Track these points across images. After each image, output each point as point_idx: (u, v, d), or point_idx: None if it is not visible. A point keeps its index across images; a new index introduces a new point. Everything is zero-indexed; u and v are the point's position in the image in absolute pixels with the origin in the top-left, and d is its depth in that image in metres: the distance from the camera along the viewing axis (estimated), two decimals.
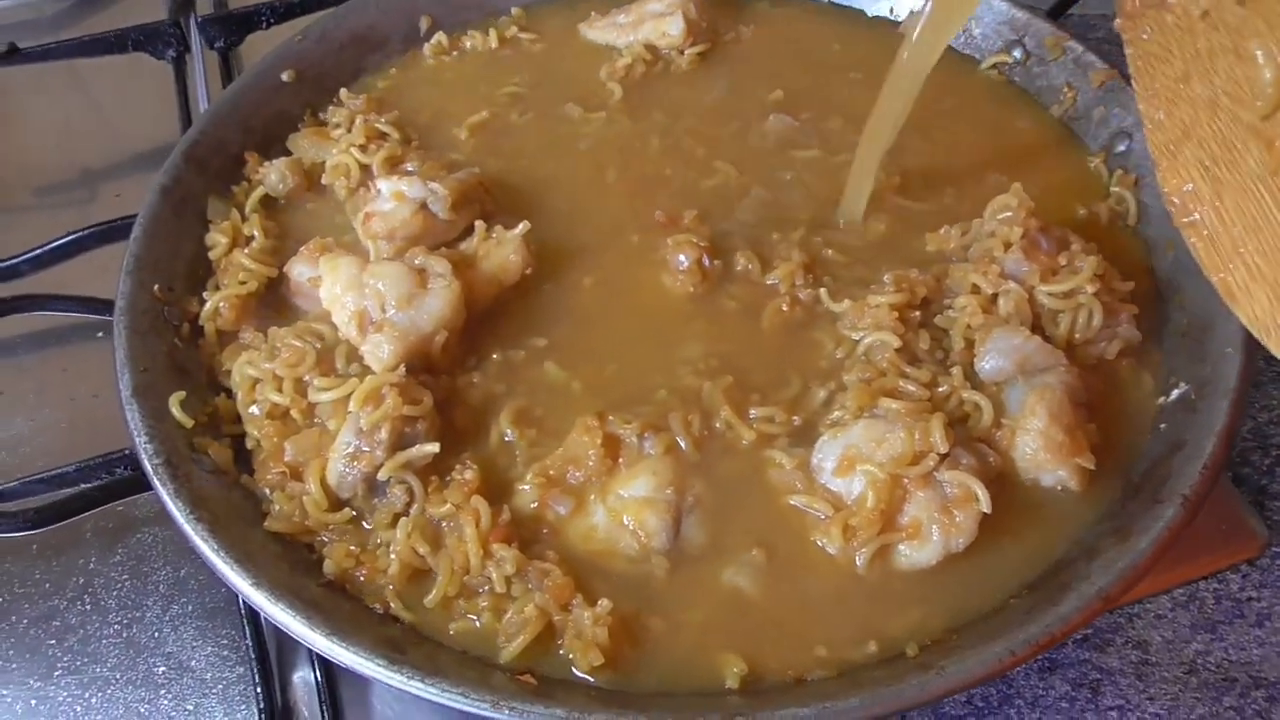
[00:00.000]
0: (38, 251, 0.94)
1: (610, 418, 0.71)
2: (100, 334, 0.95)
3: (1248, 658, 0.75)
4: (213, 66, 1.14)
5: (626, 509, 0.68)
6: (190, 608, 0.80)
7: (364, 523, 0.69)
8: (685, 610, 0.65)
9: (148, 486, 0.68)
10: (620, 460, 0.70)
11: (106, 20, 1.24)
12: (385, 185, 0.80)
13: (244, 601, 0.75)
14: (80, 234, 0.94)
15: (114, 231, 0.94)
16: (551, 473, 0.70)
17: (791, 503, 0.69)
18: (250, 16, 1.13)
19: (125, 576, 0.82)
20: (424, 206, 0.79)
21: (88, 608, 0.80)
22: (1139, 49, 0.68)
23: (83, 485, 0.78)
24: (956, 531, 0.66)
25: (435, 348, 0.74)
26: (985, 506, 0.65)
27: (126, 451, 0.77)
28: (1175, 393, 0.72)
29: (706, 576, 0.66)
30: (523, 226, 0.79)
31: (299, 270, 0.81)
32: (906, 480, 0.67)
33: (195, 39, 1.16)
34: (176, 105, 1.10)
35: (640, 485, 0.69)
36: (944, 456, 0.67)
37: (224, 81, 1.11)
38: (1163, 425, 0.71)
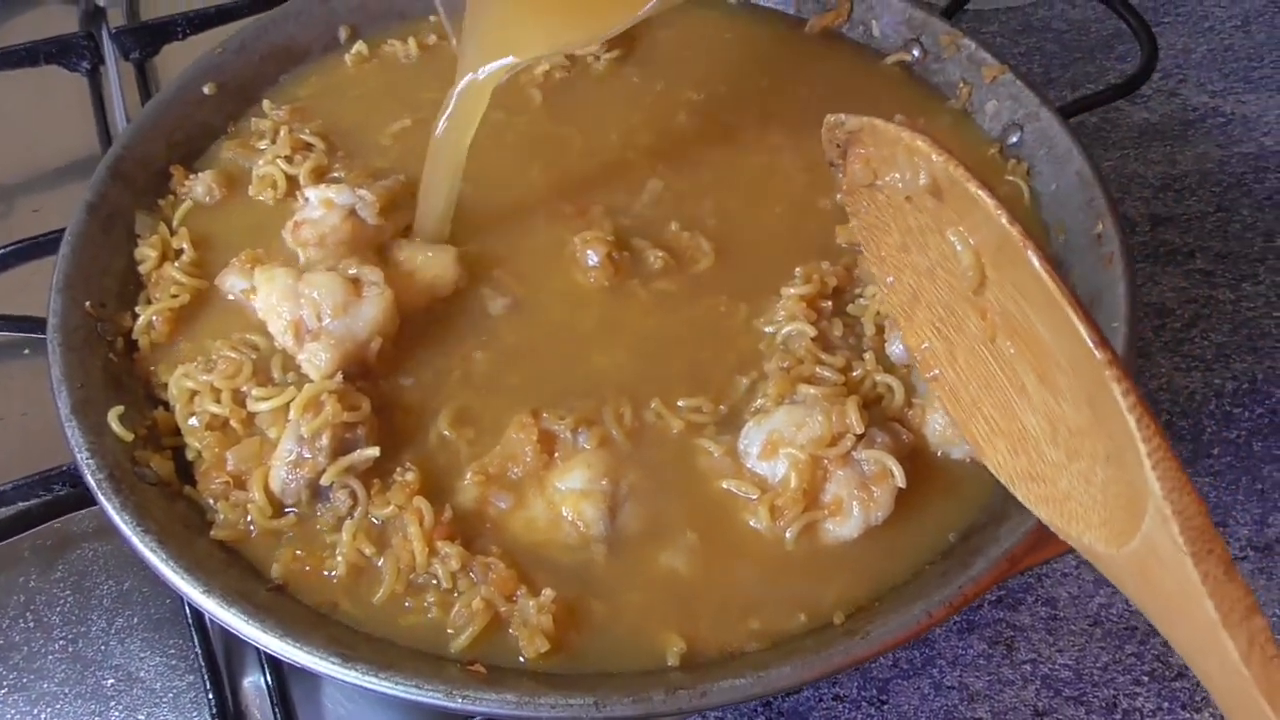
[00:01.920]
0: None
1: (544, 414, 0.74)
2: (26, 351, 0.94)
3: None
4: (129, 78, 1.13)
5: (564, 501, 0.71)
6: (136, 620, 0.80)
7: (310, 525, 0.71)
8: (625, 594, 0.68)
9: (92, 502, 0.69)
10: (556, 455, 0.73)
11: (13, 32, 1.22)
12: (314, 194, 0.81)
13: (190, 610, 0.77)
14: (1, 251, 0.93)
15: (35, 248, 0.93)
16: (491, 470, 0.73)
17: (722, 486, 0.72)
18: (165, 27, 1.12)
19: (67, 592, 0.82)
20: (353, 213, 0.81)
21: (31, 625, 0.80)
22: (862, 221, 0.75)
23: (21, 504, 0.79)
24: (875, 506, 0.70)
25: (371, 354, 0.76)
26: (900, 482, 0.70)
27: (65, 468, 0.77)
28: None
29: (644, 560, 0.70)
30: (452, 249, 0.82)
31: (231, 282, 0.82)
32: (826, 460, 0.71)
33: (110, 51, 1.15)
34: (93, 118, 1.09)
35: (576, 478, 0.72)
36: (860, 436, 0.71)
37: (141, 93, 1.10)
38: None
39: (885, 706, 0.77)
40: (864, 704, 0.77)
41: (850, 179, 0.73)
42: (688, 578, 0.69)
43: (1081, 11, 1.28)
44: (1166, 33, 1.25)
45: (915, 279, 0.71)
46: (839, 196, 0.77)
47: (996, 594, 0.82)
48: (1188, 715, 0.76)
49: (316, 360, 0.74)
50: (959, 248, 0.65)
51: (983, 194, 0.61)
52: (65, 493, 0.76)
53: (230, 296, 0.82)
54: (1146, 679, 0.78)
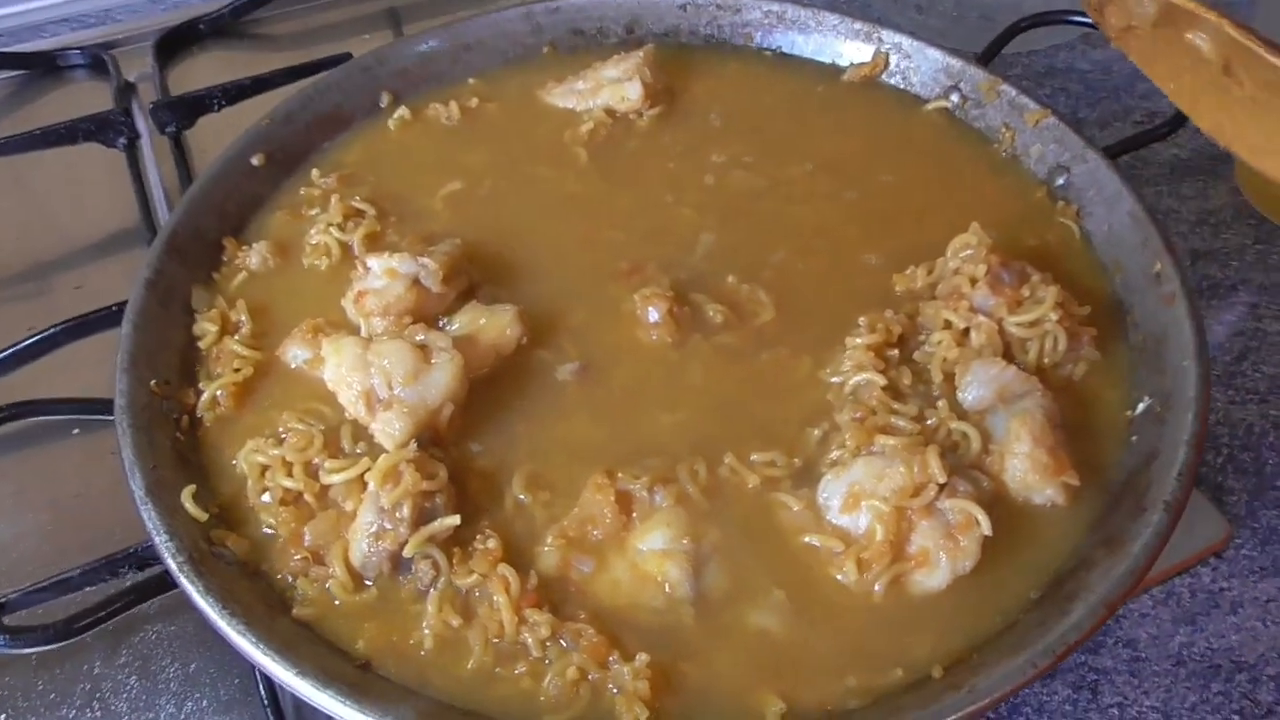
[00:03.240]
0: (4, 353, 0.92)
1: (619, 474, 0.74)
2: (76, 430, 0.94)
3: (1227, 644, 0.81)
4: (164, 151, 1.14)
5: (647, 562, 0.70)
6: (205, 703, 0.79)
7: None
8: (718, 655, 0.67)
9: (173, 585, 0.68)
10: (634, 515, 0.73)
11: (46, 110, 1.23)
12: (376, 263, 0.81)
13: (263, 688, 0.76)
14: (51, 331, 0.92)
15: (83, 327, 0.93)
16: (571, 534, 0.72)
17: (805, 541, 0.72)
18: (201, 100, 1.13)
19: (133, 678, 0.80)
20: (416, 281, 0.81)
21: (98, 714, 0.79)
22: (1136, 54, 0.87)
23: (87, 588, 0.77)
24: (962, 555, 0.69)
25: (443, 421, 0.76)
26: (986, 529, 0.69)
27: (133, 550, 0.77)
28: (1141, 406, 0.78)
29: (733, 620, 0.69)
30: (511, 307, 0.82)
31: (294, 352, 0.81)
32: (910, 511, 0.70)
33: (145, 125, 1.15)
34: (131, 192, 1.10)
35: (657, 538, 0.71)
36: (943, 486, 0.70)
37: (178, 165, 1.11)
38: (1134, 438, 0.76)
39: None
40: None
41: (1111, 28, 0.87)
42: (779, 636, 0.68)
43: (1103, 52, 1.29)
44: None
45: (1190, 79, 0.82)
46: (1111, 44, 0.89)
47: None
48: None
49: (391, 429, 0.73)
50: (1199, 44, 0.79)
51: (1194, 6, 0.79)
52: (144, 577, 0.75)
53: (293, 366, 0.82)
54: (1237, 717, 0.77)
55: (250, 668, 0.77)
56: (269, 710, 0.75)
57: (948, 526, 0.70)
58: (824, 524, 0.72)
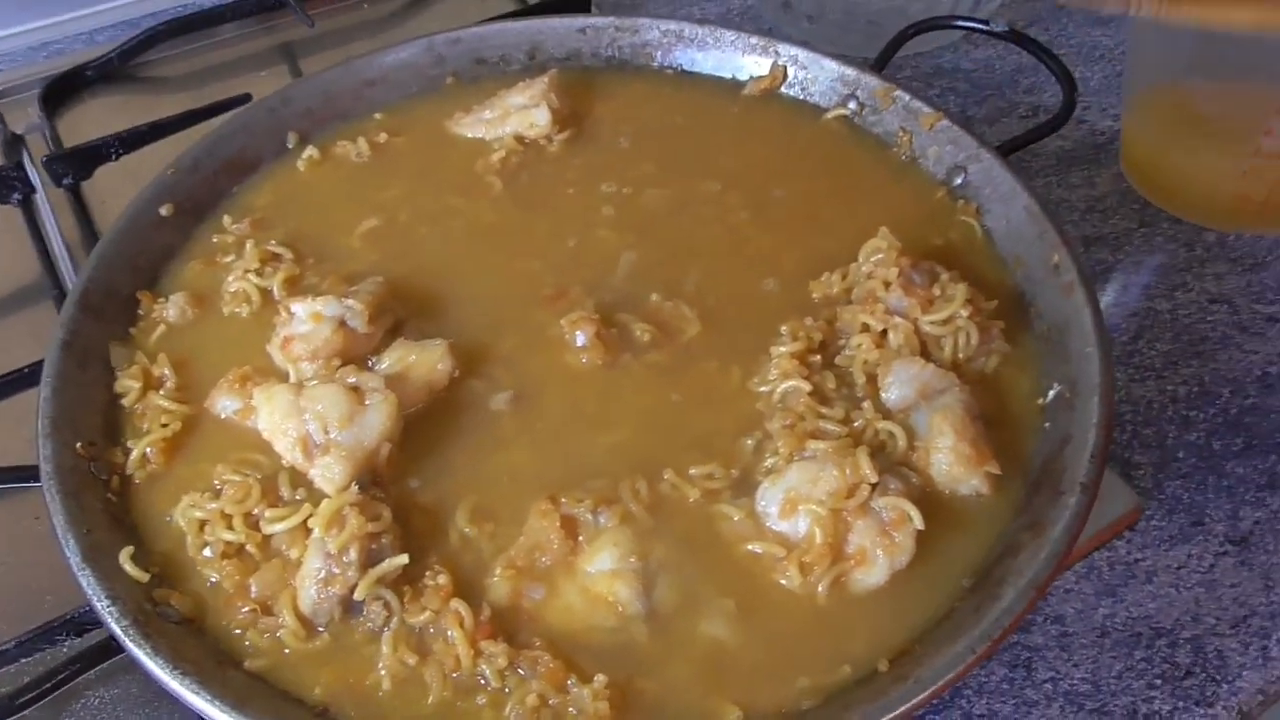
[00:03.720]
0: None
1: (562, 499, 0.75)
2: None
3: (1145, 612, 0.85)
4: (61, 204, 1.11)
5: (597, 584, 0.72)
6: None
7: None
8: (673, 668, 0.69)
9: (118, 650, 0.67)
10: (580, 538, 0.74)
11: None
12: (300, 308, 0.81)
13: None
14: None
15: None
16: (519, 563, 0.73)
17: (748, 549, 0.74)
18: (97, 150, 1.10)
19: None
20: (342, 323, 0.81)
21: None
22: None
23: (23, 660, 0.75)
24: (898, 550, 0.72)
25: (381, 461, 0.76)
26: (919, 524, 0.72)
27: (70, 616, 0.75)
28: (1052, 393, 0.82)
29: (685, 632, 0.71)
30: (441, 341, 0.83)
31: (223, 404, 0.81)
32: (846, 512, 0.73)
33: (39, 179, 1.12)
34: (32, 248, 1.07)
35: (605, 559, 0.73)
36: (875, 485, 0.73)
37: (78, 218, 1.08)
38: (1048, 424, 0.80)
39: None
40: None
41: None
42: (730, 644, 0.70)
43: (984, 51, 1.35)
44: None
45: None
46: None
47: None
48: (1202, 711, 0.80)
49: (331, 474, 0.73)
50: None
51: None
52: (85, 645, 0.73)
53: (223, 417, 0.81)
54: (1160, 681, 0.81)
55: None
56: None
57: (882, 524, 0.73)
58: (765, 531, 0.75)
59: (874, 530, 0.73)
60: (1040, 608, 0.86)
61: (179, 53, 1.32)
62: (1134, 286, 1.09)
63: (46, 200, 1.12)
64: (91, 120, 1.23)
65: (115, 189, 1.10)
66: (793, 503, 0.74)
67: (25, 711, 0.73)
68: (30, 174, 1.13)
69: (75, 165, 1.10)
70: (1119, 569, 0.88)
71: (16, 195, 1.09)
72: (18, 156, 1.16)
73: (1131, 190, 1.18)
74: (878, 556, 0.72)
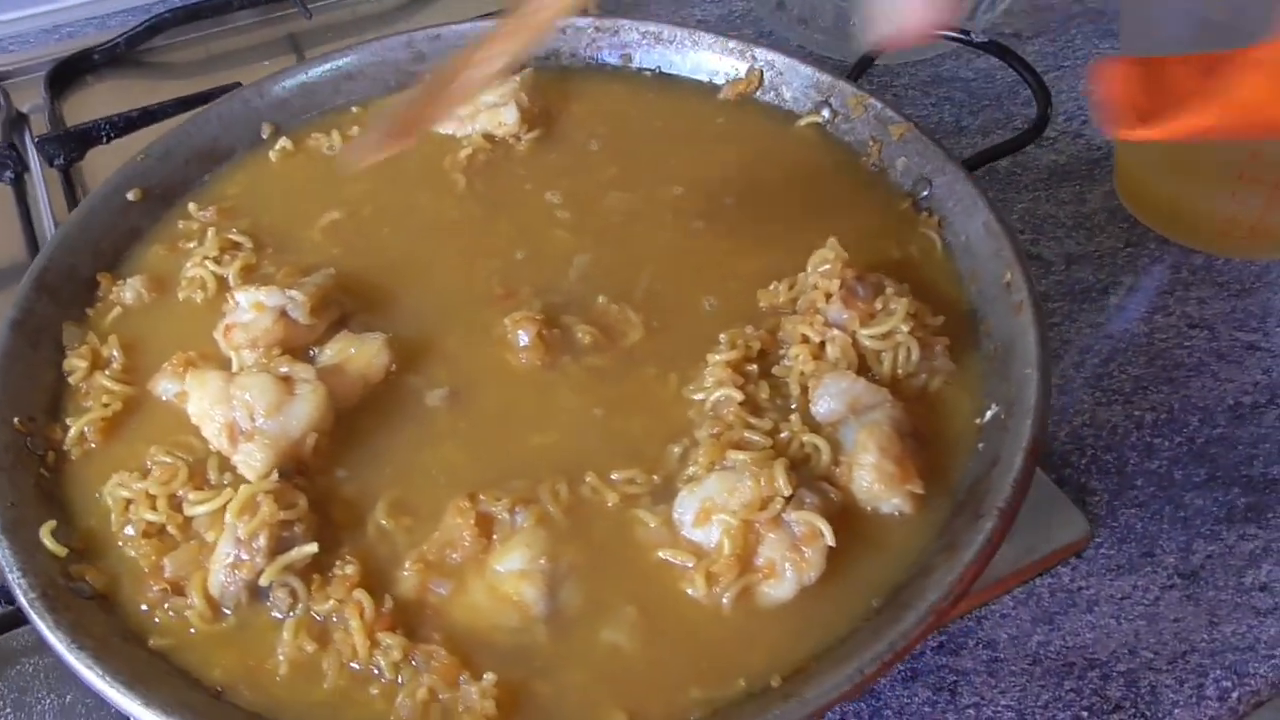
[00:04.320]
0: None
1: (481, 497, 0.75)
2: None
3: (1082, 642, 0.83)
4: (54, 184, 1.14)
5: (504, 583, 0.72)
6: None
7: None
8: (568, 672, 0.69)
9: (24, 620, 0.69)
10: (495, 537, 0.74)
11: None
12: (243, 297, 0.83)
13: None
14: None
15: None
16: (430, 558, 0.73)
17: (659, 557, 0.74)
18: (89, 133, 1.13)
19: (8, 710, 0.81)
20: (284, 313, 0.82)
21: None
22: None
23: None
24: (807, 566, 0.72)
25: (306, 450, 0.77)
26: (830, 540, 0.71)
27: None
28: (989, 413, 0.80)
29: (586, 638, 0.70)
30: (379, 335, 0.83)
31: (164, 386, 0.82)
32: (758, 524, 0.72)
33: (34, 159, 1.16)
34: (19, 227, 1.10)
35: (515, 559, 0.73)
36: (789, 498, 0.73)
37: (68, 198, 1.11)
38: (981, 445, 0.79)
39: None
40: None
41: None
42: (629, 651, 0.70)
43: (986, 61, 1.32)
44: (1066, 77, 1.30)
45: None
46: None
47: (938, 639, 0.83)
48: None
49: (252, 461, 0.75)
50: None
51: None
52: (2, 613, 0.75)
53: (164, 399, 0.83)
54: (1086, 714, 0.79)
55: None
56: None
57: (793, 539, 0.72)
58: (679, 539, 0.74)
59: (784, 544, 0.72)
60: (974, 631, 0.84)
61: (186, 40, 1.35)
62: (1112, 307, 1.07)
63: (40, 180, 1.15)
64: (95, 104, 1.26)
65: (106, 172, 1.11)
66: (707, 512, 0.74)
67: None
68: (26, 153, 1.16)
69: (68, 147, 1.13)
70: (1060, 596, 0.86)
71: (9, 174, 1.13)
72: (18, 136, 1.19)
73: (1122, 208, 1.15)
74: (786, 571, 0.72)
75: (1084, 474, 0.94)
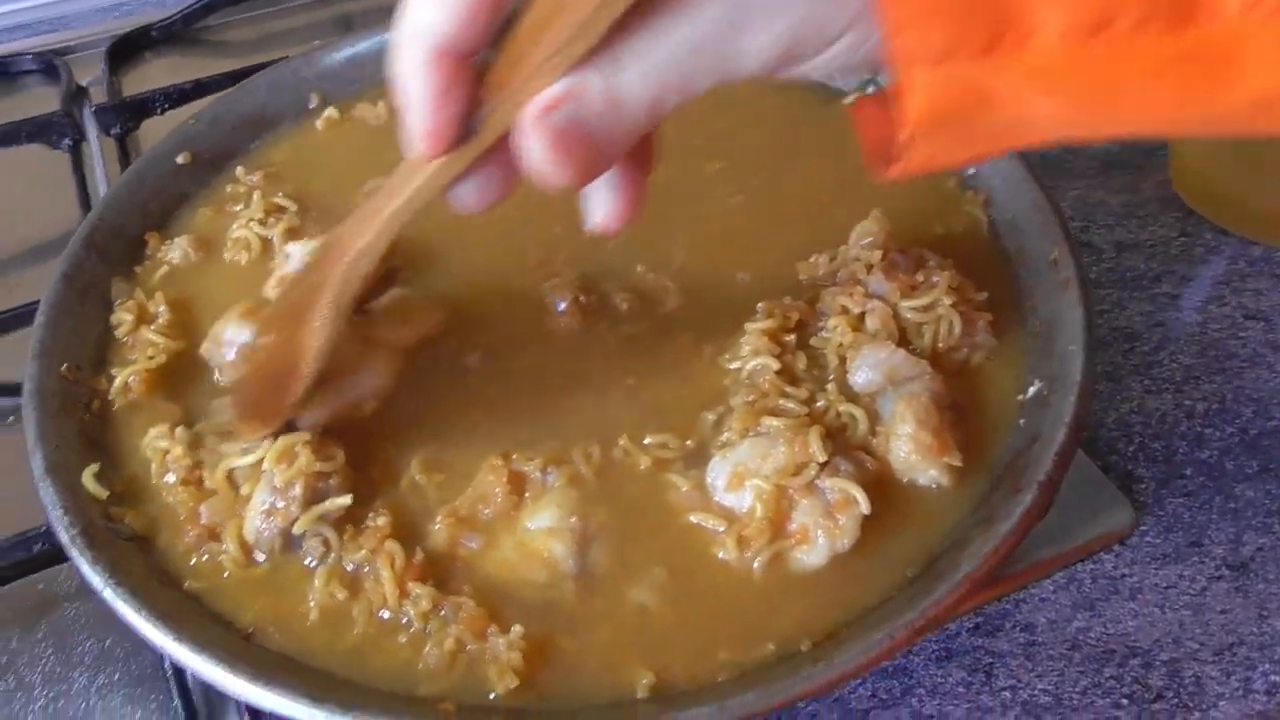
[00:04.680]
0: None
1: (514, 455, 0.75)
2: (11, 419, 0.96)
3: (1124, 629, 0.81)
4: (110, 153, 1.17)
5: (534, 540, 0.72)
6: (117, 676, 0.80)
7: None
8: (595, 630, 0.69)
9: (66, 558, 0.70)
10: (527, 495, 0.74)
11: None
12: (296, 249, 0.84)
13: (170, 664, 0.77)
14: None
15: (15, 320, 0.96)
16: (462, 512, 0.73)
17: (691, 520, 0.73)
18: (144, 103, 1.16)
19: (50, 652, 0.82)
20: None
21: (11, 686, 0.80)
22: None
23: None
24: (841, 533, 0.71)
25: (362, 413, 0.78)
26: (864, 508, 0.70)
27: (43, 528, 0.79)
28: (1031, 390, 0.79)
29: (613, 596, 0.70)
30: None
31: (231, 331, 0.83)
32: (791, 490, 0.71)
33: (91, 127, 1.18)
34: (75, 194, 1.13)
35: (546, 516, 0.73)
36: (824, 465, 0.72)
37: (122, 167, 1.13)
38: (1023, 421, 0.77)
39: None
40: None
41: None
42: (656, 612, 0.69)
43: None
44: None
45: None
46: None
47: (974, 621, 0.82)
48: None
49: (310, 420, 0.75)
50: None
51: None
52: (44, 549, 0.76)
53: (223, 350, 0.83)
54: (1126, 701, 0.77)
55: None
56: (173, 685, 0.77)
57: (827, 505, 0.71)
58: (710, 503, 0.74)
59: (818, 510, 0.71)
60: (1010, 614, 0.83)
61: (241, 18, 1.38)
62: (1164, 296, 1.04)
63: (97, 148, 1.18)
64: (152, 78, 1.29)
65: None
66: (740, 477, 0.73)
67: None
68: (83, 123, 1.19)
69: (123, 116, 1.16)
70: (1102, 583, 0.84)
71: (67, 141, 1.15)
72: (77, 107, 1.22)
73: (1177, 199, 1.13)
74: (819, 537, 0.71)
75: (1130, 461, 0.92)
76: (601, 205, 0.66)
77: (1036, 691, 0.78)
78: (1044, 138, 0.53)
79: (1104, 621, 0.82)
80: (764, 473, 0.72)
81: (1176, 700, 0.77)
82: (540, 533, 0.72)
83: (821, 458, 0.71)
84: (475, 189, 0.64)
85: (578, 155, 0.56)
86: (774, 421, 0.75)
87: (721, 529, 0.72)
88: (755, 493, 0.72)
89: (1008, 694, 0.79)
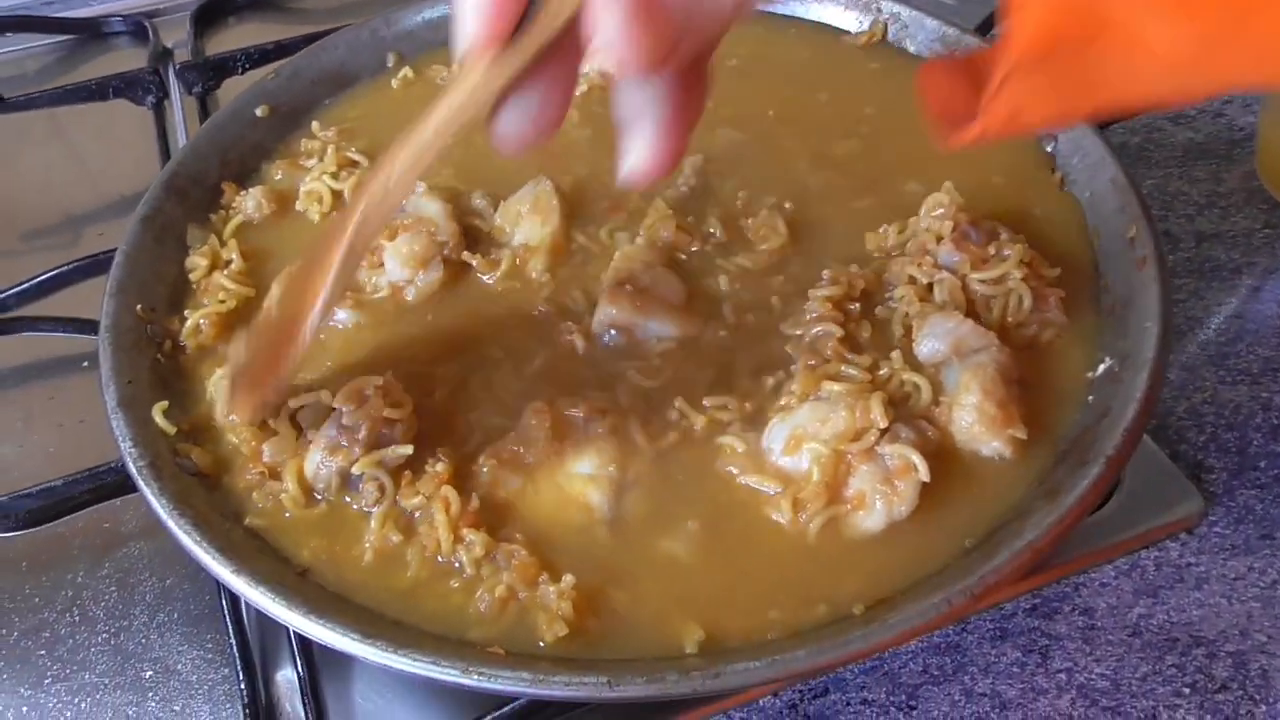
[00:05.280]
0: (24, 285, 0.98)
1: (559, 400, 0.76)
2: (85, 364, 0.99)
3: (1188, 619, 0.79)
4: (191, 111, 1.19)
5: (571, 484, 0.72)
6: (176, 615, 0.82)
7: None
8: (646, 583, 0.68)
9: (133, 489, 0.72)
10: (568, 441, 0.74)
11: (88, 74, 1.29)
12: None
13: (227, 603, 0.79)
14: (66, 268, 0.98)
15: (97, 265, 0.98)
16: (504, 455, 0.74)
17: (743, 481, 0.73)
18: (226, 62, 1.18)
19: (113, 588, 0.84)
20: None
21: (76, 619, 0.83)
22: None
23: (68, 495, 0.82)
24: (899, 500, 0.70)
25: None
26: (924, 475, 0.69)
27: (113, 464, 0.81)
28: (1102, 367, 0.77)
29: (663, 552, 0.70)
30: None
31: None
32: (850, 455, 0.71)
33: (174, 85, 1.21)
34: (157, 149, 1.15)
35: (585, 463, 0.73)
36: (884, 431, 0.71)
37: (203, 124, 1.16)
38: (1091, 398, 0.76)
39: (915, 712, 0.75)
40: (893, 709, 0.76)
41: None
42: (705, 570, 0.69)
43: None
44: None
45: None
46: None
47: (1031, 601, 0.80)
48: None
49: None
50: None
51: None
52: (112, 480, 0.78)
53: None
54: (1188, 690, 0.75)
55: (217, 585, 0.80)
56: (230, 623, 0.78)
57: (886, 472, 0.70)
58: (766, 465, 0.73)
59: (876, 476, 0.70)
60: (1070, 597, 0.81)
61: None
62: (1244, 288, 1.01)
63: (179, 106, 1.20)
64: (235, 41, 1.31)
65: None
66: (798, 440, 0.72)
67: (58, 522, 0.81)
68: (168, 82, 1.22)
69: (205, 75, 1.18)
70: (1166, 570, 0.82)
71: (151, 98, 1.18)
72: (162, 67, 1.25)
73: (1261, 190, 1.09)
74: (876, 503, 0.70)
75: (1201, 451, 0.89)
76: (641, 147, 0.58)
77: (1094, 675, 0.77)
78: (1146, 93, 0.50)
79: (1167, 609, 0.80)
80: (823, 436, 0.71)
81: (1241, 692, 0.75)
82: (578, 478, 0.72)
83: (883, 424, 0.70)
84: (523, 112, 0.57)
85: (658, 29, 0.49)
86: (835, 386, 0.74)
87: (777, 491, 0.71)
88: (813, 456, 0.71)
89: (1063, 676, 0.77)
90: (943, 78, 0.57)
